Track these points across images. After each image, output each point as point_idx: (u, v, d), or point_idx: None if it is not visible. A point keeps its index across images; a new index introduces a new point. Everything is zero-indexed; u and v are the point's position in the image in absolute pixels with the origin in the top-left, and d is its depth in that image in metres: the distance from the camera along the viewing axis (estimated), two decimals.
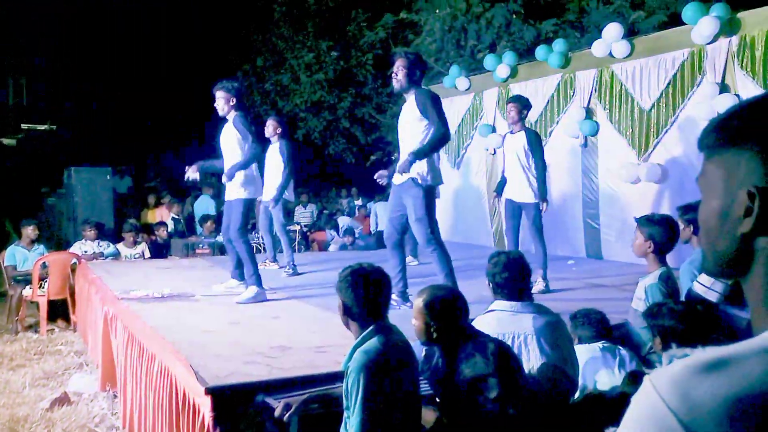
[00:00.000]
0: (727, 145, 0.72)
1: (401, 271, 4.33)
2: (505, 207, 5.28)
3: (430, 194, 4.16)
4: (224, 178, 4.80)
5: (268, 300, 4.73)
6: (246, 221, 4.80)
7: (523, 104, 5.09)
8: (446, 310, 2.37)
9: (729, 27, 5.30)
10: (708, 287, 3.02)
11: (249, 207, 4.89)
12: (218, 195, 11.14)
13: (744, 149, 0.70)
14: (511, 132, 5.18)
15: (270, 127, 6.20)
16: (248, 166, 4.75)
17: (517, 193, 5.09)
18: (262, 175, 5.61)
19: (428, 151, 4.08)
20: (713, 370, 0.63)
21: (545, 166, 5.09)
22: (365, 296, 2.34)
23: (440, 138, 4.08)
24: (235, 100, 4.79)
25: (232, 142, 4.79)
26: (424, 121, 4.09)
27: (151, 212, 10.39)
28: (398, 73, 4.16)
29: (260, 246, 8.67)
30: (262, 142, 5.39)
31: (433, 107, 4.07)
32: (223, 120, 4.91)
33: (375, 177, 4.42)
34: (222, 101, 4.79)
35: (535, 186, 5.00)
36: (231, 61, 14.49)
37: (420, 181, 4.10)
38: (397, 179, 4.21)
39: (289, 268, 6.02)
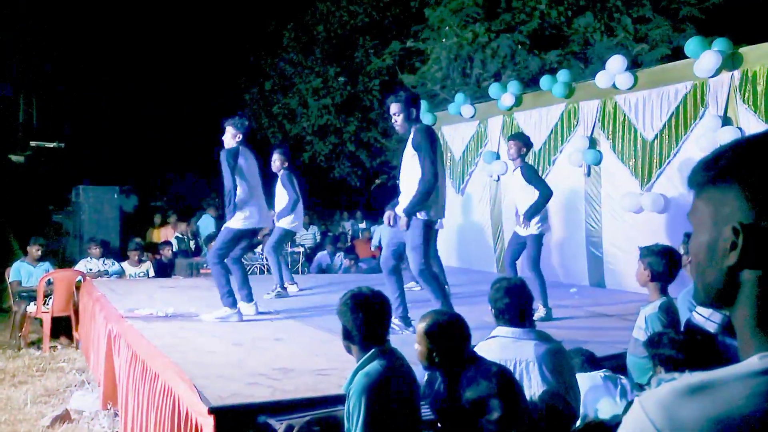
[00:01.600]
0: (714, 183, 0.77)
1: (400, 296, 4.36)
2: (511, 237, 5.41)
3: (428, 227, 4.23)
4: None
5: (263, 320, 4.86)
6: (225, 247, 4.88)
7: (523, 142, 5.16)
8: (448, 336, 2.40)
9: (731, 61, 5.39)
10: (706, 318, 3.04)
11: (237, 235, 4.94)
12: (222, 216, 11.24)
13: (729, 187, 0.75)
14: (514, 169, 5.26)
15: (277, 162, 6.35)
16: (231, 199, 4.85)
17: (520, 229, 5.18)
18: (271, 206, 5.83)
19: (416, 206, 4.12)
20: (698, 392, 0.67)
21: (548, 194, 5.06)
22: (365, 320, 2.37)
23: (426, 191, 4.11)
24: (241, 136, 4.94)
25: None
26: (416, 157, 4.17)
27: (156, 231, 10.46)
28: (397, 120, 4.28)
29: (263, 267, 8.70)
30: (269, 173, 5.59)
31: (425, 145, 4.11)
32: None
33: (384, 219, 4.45)
34: (229, 136, 4.95)
35: (534, 220, 5.04)
36: (240, 84, 14.72)
37: (420, 216, 4.16)
38: (399, 210, 4.28)
39: (278, 289, 6.07)
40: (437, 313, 2.52)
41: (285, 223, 6.22)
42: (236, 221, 4.88)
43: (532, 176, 5.10)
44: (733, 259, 0.74)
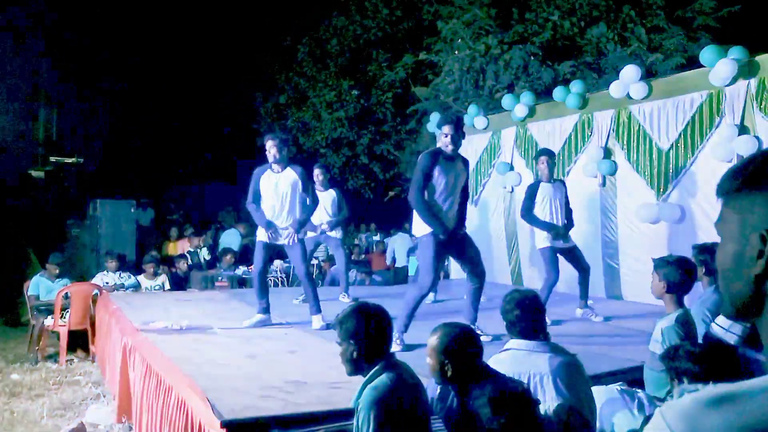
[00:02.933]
0: (743, 191, 0.76)
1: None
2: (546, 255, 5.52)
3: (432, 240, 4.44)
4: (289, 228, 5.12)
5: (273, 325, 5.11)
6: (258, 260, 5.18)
7: (552, 157, 5.56)
8: (459, 349, 2.38)
9: (747, 70, 5.34)
10: (726, 329, 2.98)
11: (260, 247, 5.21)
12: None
13: (758, 195, 0.74)
14: (548, 181, 5.51)
15: (320, 176, 6.64)
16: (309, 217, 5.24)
17: (559, 242, 5.42)
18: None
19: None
20: (721, 404, 0.66)
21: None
22: (372, 333, 2.35)
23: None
24: (285, 150, 5.16)
25: (292, 193, 5.14)
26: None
27: (172, 245, 10.55)
28: (447, 142, 4.45)
29: (278, 280, 8.73)
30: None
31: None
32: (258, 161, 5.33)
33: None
34: (274, 150, 5.10)
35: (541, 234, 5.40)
36: (255, 98, 14.87)
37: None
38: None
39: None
40: (448, 326, 2.50)
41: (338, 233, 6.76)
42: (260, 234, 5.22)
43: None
44: (759, 268, 0.73)
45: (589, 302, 5.55)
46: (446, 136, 4.40)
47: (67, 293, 6.76)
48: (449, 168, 4.46)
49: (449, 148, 4.41)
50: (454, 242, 4.49)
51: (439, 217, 4.40)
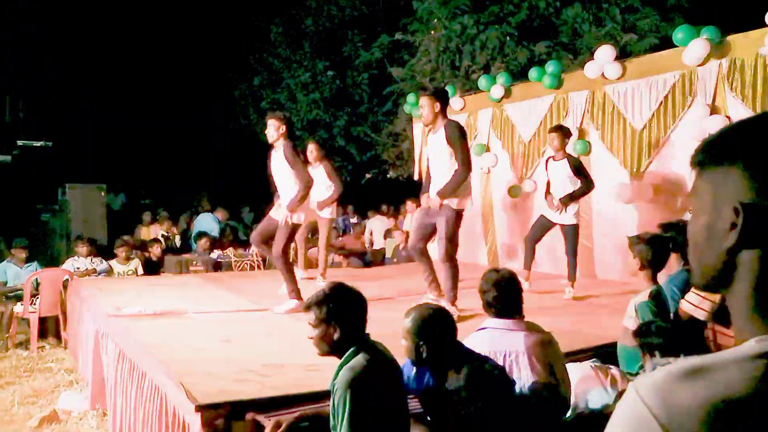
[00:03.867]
0: (717, 162, 0.75)
1: (431, 273, 4.76)
2: (536, 220, 5.79)
3: (460, 216, 4.65)
4: (284, 208, 4.95)
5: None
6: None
7: (564, 133, 5.56)
8: (434, 329, 2.37)
9: (719, 50, 5.39)
10: (696, 305, 3.03)
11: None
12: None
13: (732, 167, 0.73)
14: (554, 159, 5.60)
15: (315, 152, 6.51)
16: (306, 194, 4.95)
17: (555, 215, 5.56)
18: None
19: (451, 190, 4.57)
20: (694, 376, 0.66)
21: (591, 186, 5.53)
22: (349, 315, 2.34)
23: (463, 179, 4.60)
24: (284, 128, 4.97)
25: (284, 170, 4.95)
26: (447, 149, 4.53)
27: (145, 229, 10.36)
28: (423, 112, 4.59)
29: (254, 264, 8.65)
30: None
31: (461, 139, 4.54)
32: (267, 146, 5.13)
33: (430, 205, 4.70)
34: (273, 128, 4.97)
35: (573, 210, 5.50)
36: (228, 79, 14.61)
37: (455, 206, 4.59)
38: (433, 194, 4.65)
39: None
40: (422, 307, 2.49)
41: (330, 213, 6.67)
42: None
43: (580, 169, 5.51)
44: (732, 240, 0.73)
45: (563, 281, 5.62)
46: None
47: (37, 279, 6.61)
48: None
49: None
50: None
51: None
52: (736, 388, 0.64)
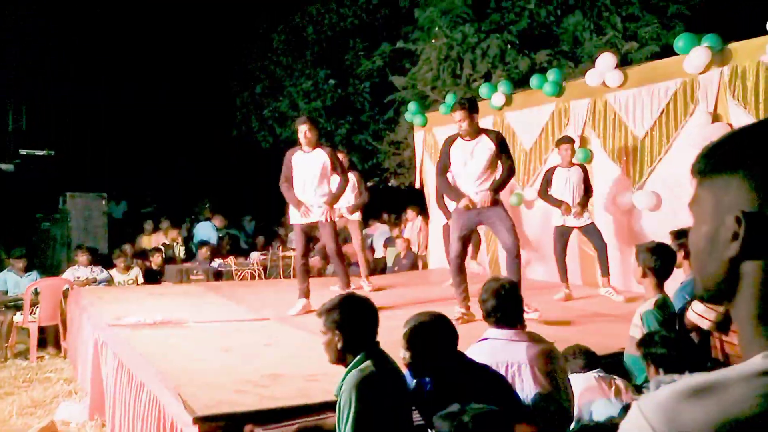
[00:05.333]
0: (718, 171, 0.73)
1: (467, 287, 4.92)
2: (556, 233, 5.99)
3: None
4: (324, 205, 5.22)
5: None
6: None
7: (573, 142, 5.98)
8: (432, 339, 2.35)
9: (720, 57, 5.37)
10: (700, 314, 3.00)
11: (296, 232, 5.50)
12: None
13: (733, 175, 0.71)
14: (562, 167, 5.96)
15: (345, 162, 6.53)
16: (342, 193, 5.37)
17: (574, 221, 5.84)
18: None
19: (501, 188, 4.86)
20: (699, 395, 0.64)
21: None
22: (359, 323, 2.35)
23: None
24: (318, 133, 5.33)
25: (318, 172, 5.23)
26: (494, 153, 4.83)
27: (147, 238, 10.35)
28: (462, 125, 4.77)
29: (255, 272, 8.62)
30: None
31: (507, 145, 4.96)
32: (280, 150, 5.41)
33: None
34: (311, 133, 5.22)
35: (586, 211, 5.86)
36: (230, 87, 14.63)
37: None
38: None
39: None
40: (420, 315, 2.46)
41: (359, 216, 6.93)
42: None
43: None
44: (734, 250, 0.70)
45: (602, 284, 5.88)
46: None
47: (36, 288, 6.59)
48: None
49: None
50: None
51: None
52: (743, 407, 0.62)
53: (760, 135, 0.72)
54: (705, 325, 3.05)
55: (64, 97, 15.56)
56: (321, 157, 5.26)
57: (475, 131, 4.79)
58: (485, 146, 4.79)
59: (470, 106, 4.77)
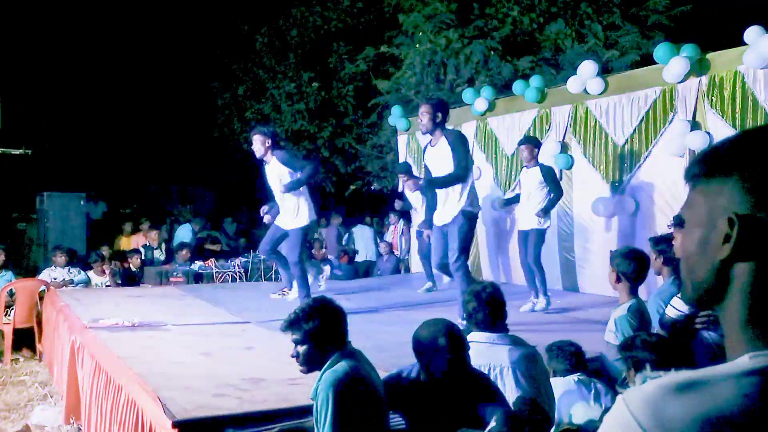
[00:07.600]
0: (712, 175, 0.75)
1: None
2: (518, 237, 5.87)
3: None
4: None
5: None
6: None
7: (534, 144, 5.74)
8: (440, 348, 2.34)
9: (699, 67, 5.48)
10: (680, 311, 3.03)
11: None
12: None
13: (727, 179, 0.72)
14: (527, 167, 5.75)
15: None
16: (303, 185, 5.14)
17: (525, 223, 5.72)
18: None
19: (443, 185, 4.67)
20: (685, 390, 0.65)
21: (561, 194, 5.70)
22: (329, 325, 2.33)
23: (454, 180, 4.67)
24: (270, 141, 5.12)
25: (284, 177, 5.08)
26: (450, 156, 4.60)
27: (126, 239, 10.20)
28: (423, 120, 4.64)
29: (236, 275, 8.55)
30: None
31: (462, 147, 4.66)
32: (260, 161, 5.26)
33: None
34: (258, 143, 5.09)
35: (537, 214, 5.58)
36: (212, 89, 14.52)
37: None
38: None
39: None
40: (427, 324, 2.46)
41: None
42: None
43: (551, 177, 5.63)
44: (725, 252, 0.71)
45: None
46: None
47: (11, 290, 6.46)
48: None
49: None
50: None
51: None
52: (728, 404, 0.63)
53: (754, 141, 0.74)
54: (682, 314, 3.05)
55: (41, 95, 15.30)
56: (275, 163, 5.18)
57: (435, 132, 4.64)
58: (443, 149, 4.69)
59: (437, 105, 4.66)
